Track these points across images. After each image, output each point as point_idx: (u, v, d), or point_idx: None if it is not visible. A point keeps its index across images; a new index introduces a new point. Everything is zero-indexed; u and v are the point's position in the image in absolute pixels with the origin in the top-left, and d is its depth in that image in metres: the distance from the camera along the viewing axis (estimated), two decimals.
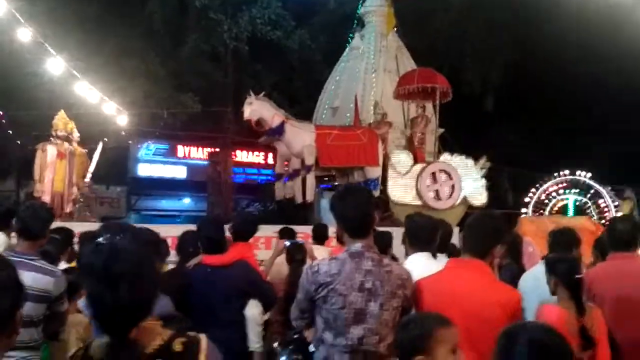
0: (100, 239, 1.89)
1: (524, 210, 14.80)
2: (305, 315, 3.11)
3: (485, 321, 2.90)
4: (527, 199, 14.93)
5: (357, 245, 3.03)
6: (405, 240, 3.96)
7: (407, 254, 3.92)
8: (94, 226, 6.69)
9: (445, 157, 12.08)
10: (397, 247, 4.79)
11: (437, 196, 11.59)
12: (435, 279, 3.21)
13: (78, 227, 6.63)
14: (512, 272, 4.58)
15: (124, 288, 1.74)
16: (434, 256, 3.85)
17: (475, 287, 3.05)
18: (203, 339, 1.91)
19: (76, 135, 11.51)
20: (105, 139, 14.11)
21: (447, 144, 13.25)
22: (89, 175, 11.95)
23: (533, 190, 14.92)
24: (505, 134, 19.42)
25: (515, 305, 3.00)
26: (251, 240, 4.76)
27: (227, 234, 4.47)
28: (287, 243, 5.45)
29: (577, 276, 3.48)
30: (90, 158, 11.97)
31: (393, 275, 3.02)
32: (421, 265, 3.55)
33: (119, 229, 3.95)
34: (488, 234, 3.18)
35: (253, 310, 4.13)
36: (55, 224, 4.47)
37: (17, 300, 1.66)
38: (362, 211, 3.07)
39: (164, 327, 1.90)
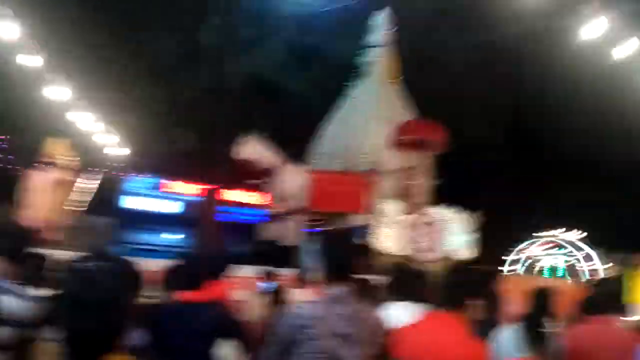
0: (79, 265, 1.89)
1: (508, 267, 14.82)
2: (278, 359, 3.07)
3: None
4: (511, 257, 14.96)
5: (337, 290, 3.02)
6: (389, 289, 3.97)
7: (390, 302, 3.92)
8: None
9: (435, 209, 12.10)
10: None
11: (423, 248, 11.58)
12: (414, 329, 3.22)
13: (66, 255, 6.62)
14: (489, 328, 4.57)
15: (94, 314, 1.72)
16: (417, 306, 3.85)
17: (449, 340, 3.08)
18: None
19: (75, 163, 11.58)
20: (101, 169, 14.18)
21: (440, 196, 13.28)
22: (77, 204, 11.93)
23: (518, 248, 14.97)
24: (496, 190, 19.52)
25: None
26: (230, 279, 4.73)
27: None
28: (260, 285, 5.40)
29: (539, 329, 3.53)
30: (81, 186, 12.01)
31: (370, 322, 3.01)
32: (402, 314, 3.56)
33: (99, 257, 3.93)
34: (465, 289, 3.21)
35: (225, 350, 4.07)
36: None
37: None
38: (345, 257, 3.08)
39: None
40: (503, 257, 15.74)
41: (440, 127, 12.48)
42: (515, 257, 14.92)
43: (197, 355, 3.93)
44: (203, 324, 3.97)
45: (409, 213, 11.81)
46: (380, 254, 11.46)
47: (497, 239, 18.15)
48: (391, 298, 3.89)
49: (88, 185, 12.74)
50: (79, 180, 11.92)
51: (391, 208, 11.75)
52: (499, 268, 14.87)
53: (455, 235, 11.79)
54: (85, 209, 12.78)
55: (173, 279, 4.38)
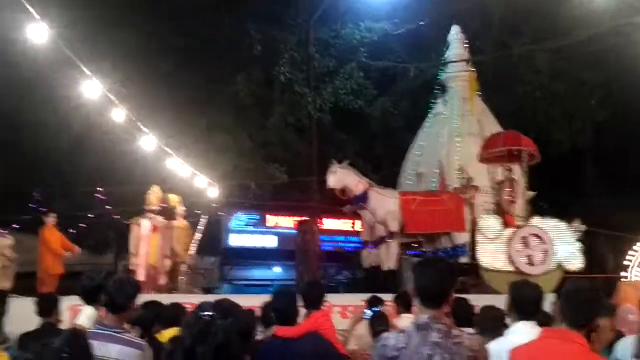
0: (193, 317, 1.92)
1: (624, 274, 13.79)
2: None
3: None
4: (627, 263, 13.94)
5: (424, 317, 2.97)
6: (510, 309, 3.85)
7: (511, 323, 3.83)
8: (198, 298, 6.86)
9: (536, 220, 11.64)
10: None
11: (530, 261, 11.11)
12: (528, 349, 3.08)
13: (183, 299, 6.91)
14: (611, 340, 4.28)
15: None
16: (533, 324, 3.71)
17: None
18: None
19: (181, 209, 12.07)
20: (202, 213, 14.67)
21: (538, 208, 12.80)
22: (193, 249, 12.40)
23: (633, 252, 13.94)
24: (600, 196, 18.61)
25: None
26: (332, 308, 4.71)
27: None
28: (367, 312, 5.35)
29: None
30: (187, 230, 12.45)
31: (463, 347, 2.92)
32: (525, 335, 3.43)
33: (218, 307, 3.97)
34: (587, 305, 3.02)
35: None
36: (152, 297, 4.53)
37: None
38: (436, 283, 3.01)
39: None
40: (619, 265, 14.72)
41: (528, 138, 12.16)
42: (632, 262, 13.86)
43: None
44: (302, 358, 3.95)
45: (509, 227, 11.40)
46: (485, 271, 11.10)
47: (609, 246, 17.19)
48: (515, 318, 3.77)
49: (201, 229, 13.18)
50: (183, 224, 12.33)
51: (490, 223, 11.39)
52: (616, 276, 13.89)
53: (562, 245, 11.25)
54: (193, 251, 13.20)
55: (270, 315, 4.42)
